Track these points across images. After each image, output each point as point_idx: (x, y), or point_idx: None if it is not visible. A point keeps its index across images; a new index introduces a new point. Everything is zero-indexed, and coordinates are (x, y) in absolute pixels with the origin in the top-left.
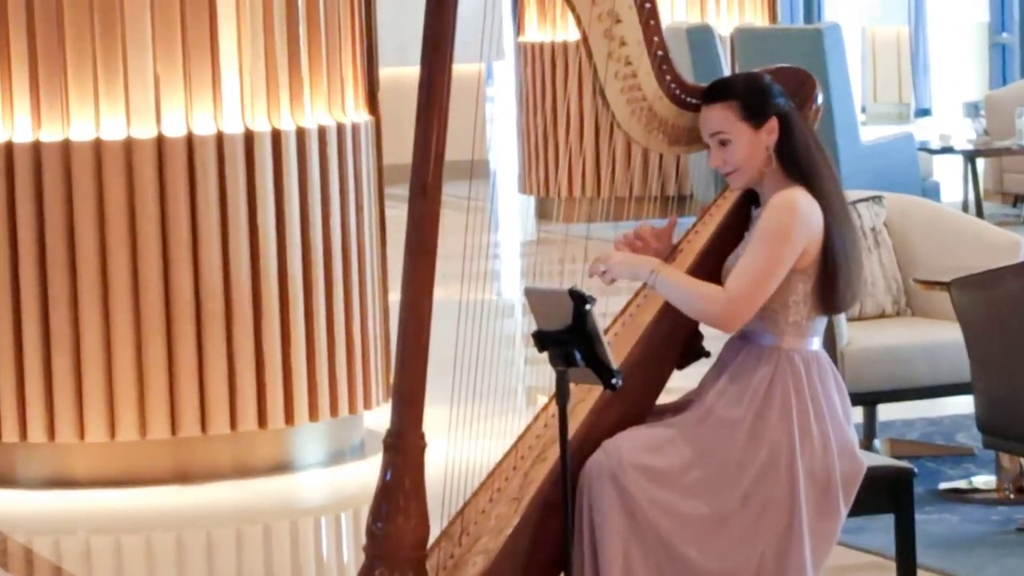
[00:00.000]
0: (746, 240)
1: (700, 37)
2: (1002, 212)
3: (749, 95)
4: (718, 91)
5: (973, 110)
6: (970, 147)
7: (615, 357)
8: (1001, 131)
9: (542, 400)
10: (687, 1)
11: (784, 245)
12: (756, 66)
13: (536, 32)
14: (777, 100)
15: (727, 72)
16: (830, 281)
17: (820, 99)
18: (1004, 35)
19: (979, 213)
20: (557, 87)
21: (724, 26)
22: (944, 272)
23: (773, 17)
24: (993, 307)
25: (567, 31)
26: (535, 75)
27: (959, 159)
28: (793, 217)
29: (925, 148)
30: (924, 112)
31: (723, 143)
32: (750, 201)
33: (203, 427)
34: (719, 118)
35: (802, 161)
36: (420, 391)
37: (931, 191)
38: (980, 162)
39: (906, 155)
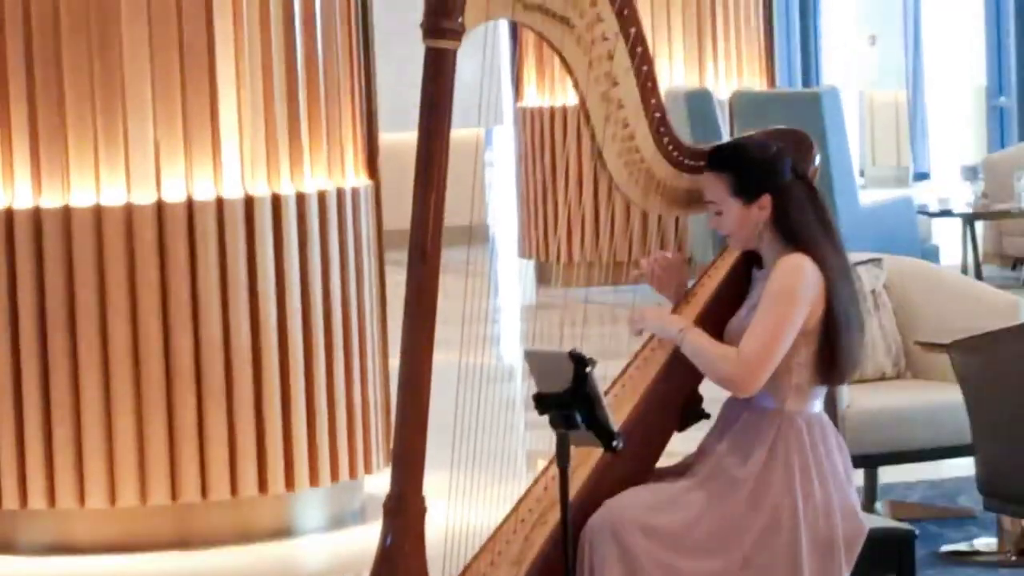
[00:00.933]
0: (748, 301)
1: (699, 101)
2: (1001, 275)
3: (743, 170)
4: (715, 160)
5: (972, 173)
6: (969, 210)
7: (616, 418)
8: (1000, 194)
9: (542, 464)
10: (685, 65)
11: (793, 306)
12: (755, 129)
13: (535, 97)
14: (773, 177)
15: (726, 136)
16: (830, 351)
17: (818, 160)
18: (1002, 99)
19: (978, 276)
20: (556, 151)
21: (722, 90)
22: (944, 334)
23: (771, 81)
24: (993, 369)
25: (566, 96)
26: (534, 139)
27: (958, 222)
28: (799, 279)
29: (924, 211)
30: (922, 175)
31: (716, 212)
32: (750, 259)
33: (203, 492)
34: (712, 188)
35: (799, 235)
36: (420, 455)
37: (930, 254)
38: (979, 225)
39: (905, 218)
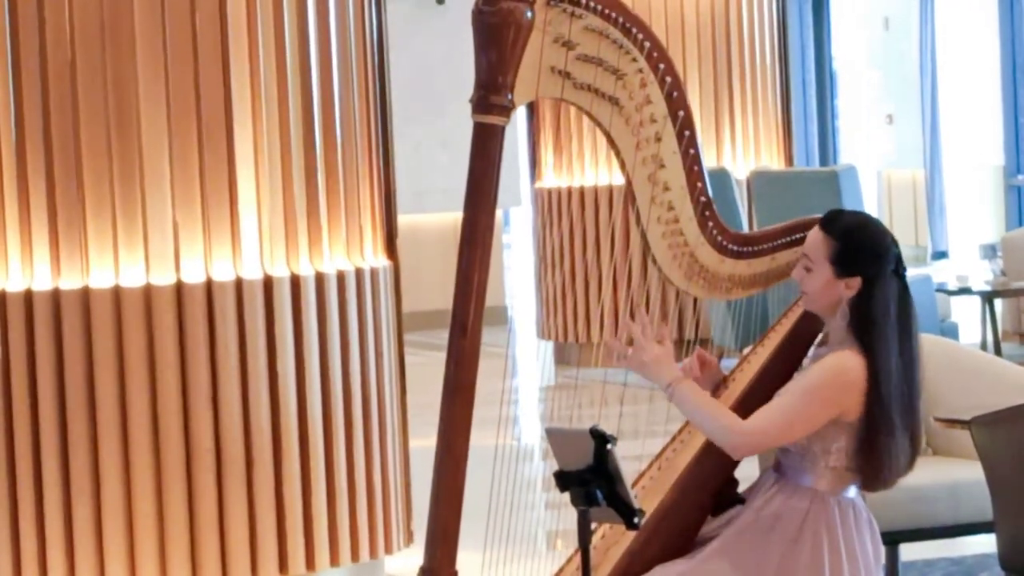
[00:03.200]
0: (800, 373)
1: (717, 181)
2: (1021, 352)
3: (851, 244)
4: (830, 222)
5: (990, 251)
6: (988, 288)
7: (651, 502)
8: (1019, 272)
9: (562, 544)
10: (703, 145)
11: (818, 405)
12: (774, 209)
13: (552, 178)
14: (875, 265)
15: (744, 216)
16: (867, 451)
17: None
18: (1020, 177)
19: (997, 353)
20: (575, 232)
21: (740, 169)
22: (964, 411)
23: (789, 160)
24: (1015, 444)
25: (583, 176)
26: (552, 220)
27: (977, 300)
28: (838, 381)
29: (943, 289)
30: (941, 255)
31: (807, 268)
32: (815, 325)
33: (224, 573)
34: (815, 245)
35: (870, 328)
36: (455, 528)
37: (950, 331)
38: (998, 303)
39: (924, 296)
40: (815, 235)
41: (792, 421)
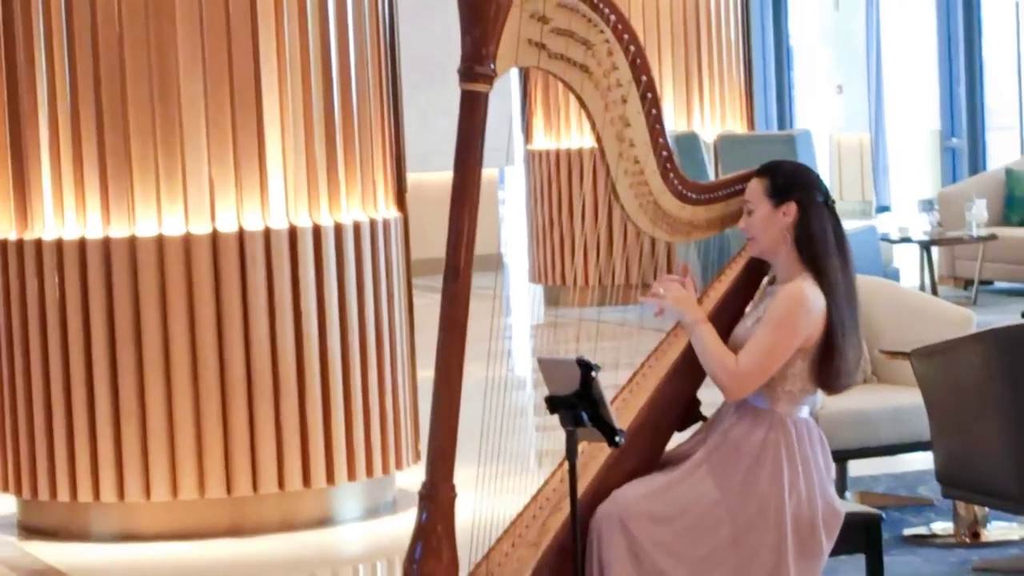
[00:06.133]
0: (754, 307)
1: (687, 143)
2: (954, 294)
3: (780, 177)
4: (763, 168)
5: (928, 206)
6: (926, 238)
7: (624, 420)
8: (952, 223)
9: (554, 460)
10: (675, 111)
11: (790, 333)
12: (738, 168)
13: (543, 140)
14: (805, 190)
15: (711, 172)
16: (827, 362)
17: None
18: (954, 140)
19: (934, 294)
20: (562, 188)
21: (708, 133)
22: (905, 344)
23: (751, 124)
24: (949, 373)
25: (570, 139)
26: (542, 178)
27: (916, 248)
28: (800, 309)
29: (886, 239)
30: (884, 208)
31: (749, 212)
32: (761, 268)
33: (254, 487)
34: (753, 190)
35: (814, 248)
36: (451, 448)
37: (892, 276)
38: (934, 250)
39: (870, 245)
40: (752, 183)
41: (775, 354)
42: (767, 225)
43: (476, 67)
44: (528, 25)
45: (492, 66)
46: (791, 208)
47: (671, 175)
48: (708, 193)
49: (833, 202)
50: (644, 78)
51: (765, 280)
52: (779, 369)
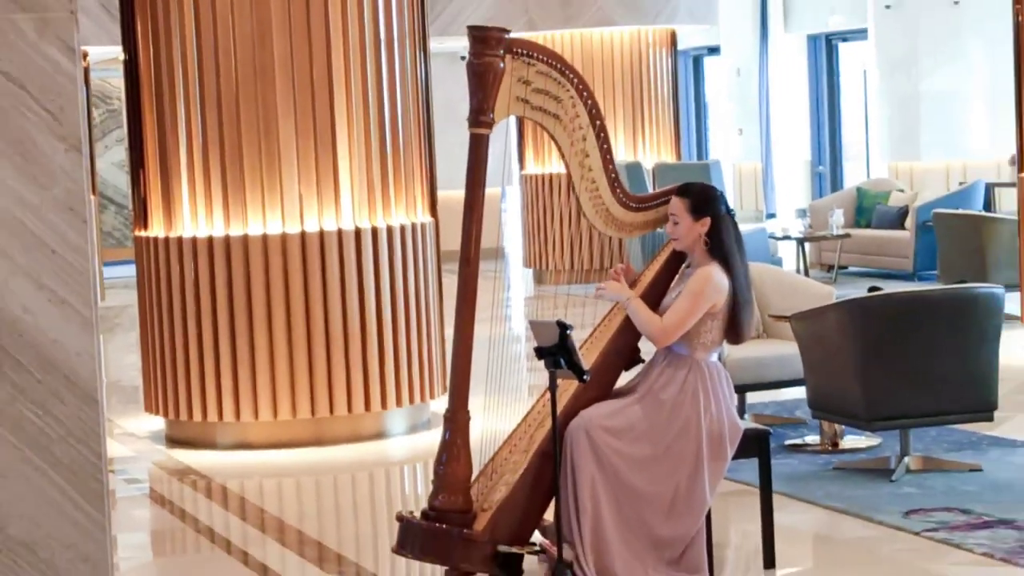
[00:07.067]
0: (677, 282)
1: (633, 169)
2: (821, 276)
3: (698, 198)
4: (683, 190)
5: (802, 213)
6: (800, 236)
7: (587, 361)
8: (819, 226)
9: (540, 391)
10: (624, 146)
11: (700, 302)
12: (668, 185)
13: (533, 167)
14: (715, 207)
15: (650, 189)
16: (735, 323)
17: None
18: (820, 167)
19: (806, 276)
20: (546, 201)
21: (648, 161)
22: (787, 311)
23: (678, 156)
24: (817, 331)
25: (552, 166)
26: (532, 194)
27: (794, 243)
28: (708, 285)
29: (773, 237)
30: (771, 215)
31: (675, 222)
32: (681, 257)
33: (331, 410)
34: (676, 206)
35: (723, 247)
36: (466, 384)
37: (777, 263)
38: (807, 245)
39: (761, 241)
40: (675, 201)
41: (690, 315)
42: (689, 232)
43: (480, 117)
44: (516, 86)
45: (491, 116)
46: (706, 221)
47: (618, 190)
48: (644, 203)
49: (733, 212)
50: (598, 122)
51: (684, 265)
52: (696, 327)
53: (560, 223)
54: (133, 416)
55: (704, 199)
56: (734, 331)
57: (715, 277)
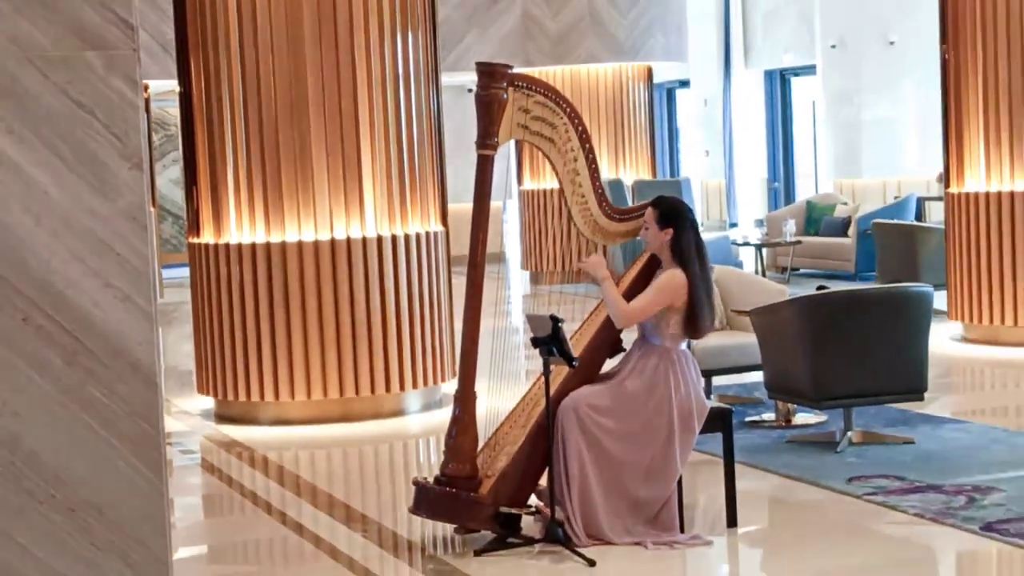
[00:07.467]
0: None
1: (616, 185)
2: (776, 277)
3: (665, 210)
4: (656, 202)
5: (760, 223)
6: (758, 242)
7: (577, 351)
8: (774, 234)
9: (535, 375)
10: (608, 165)
11: (659, 296)
12: (646, 199)
13: (530, 183)
14: (679, 220)
15: (630, 203)
16: (691, 319)
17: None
18: (775, 183)
19: (763, 277)
20: (544, 214)
21: (628, 179)
22: (747, 306)
23: (654, 174)
24: (773, 323)
25: (547, 183)
26: (530, 207)
27: (753, 249)
28: (669, 284)
29: (735, 243)
30: (734, 224)
31: (646, 228)
32: (657, 262)
33: (357, 392)
34: (649, 215)
35: (683, 254)
36: (472, 369)
37: (738, 265)
38: (764, 250)
39: (724, 247)
40: (648, 211)
41: (651, 304)
42: (655, 239)
43: (486, 140)
44: (518, 114)
45: (495, 140)
46: (670, 231)
47: (604, 203)
48: (625, 215)
49: (697, 224)
50: (587, 145)
51: (659, 268)
52: (664, 321)
53: (553, 231)
54: (187, 396)
55: (671, 212)
56: (691, 326)
57: (677, 278)
